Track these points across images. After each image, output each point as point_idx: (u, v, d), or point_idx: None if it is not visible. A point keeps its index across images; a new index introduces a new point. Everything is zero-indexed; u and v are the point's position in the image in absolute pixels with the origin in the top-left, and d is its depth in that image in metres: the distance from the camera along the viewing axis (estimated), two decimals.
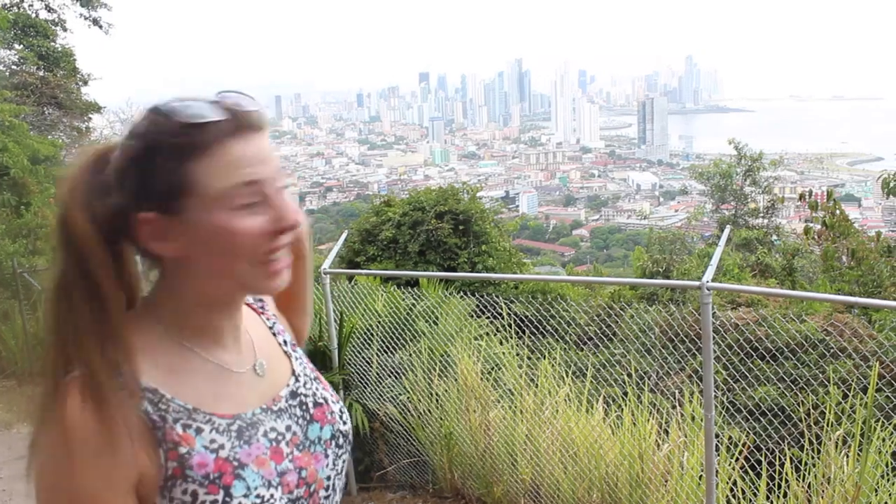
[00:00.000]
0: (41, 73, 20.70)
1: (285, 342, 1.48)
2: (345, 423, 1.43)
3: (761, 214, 19.25)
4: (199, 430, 1.20)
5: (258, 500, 1.21)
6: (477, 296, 6.68)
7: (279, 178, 1.23)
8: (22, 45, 20.57)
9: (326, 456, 1.37)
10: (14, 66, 20.64)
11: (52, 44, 21.22)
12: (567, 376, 5.32)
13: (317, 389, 1.43)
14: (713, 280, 4.13)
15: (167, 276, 1.26)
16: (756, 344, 6.02)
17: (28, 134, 15.76)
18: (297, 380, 1.42)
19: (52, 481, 1.12)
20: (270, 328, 1.47)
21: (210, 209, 1.17)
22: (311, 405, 1.39)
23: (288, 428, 1.33)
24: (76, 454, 1.10)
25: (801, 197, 10.58)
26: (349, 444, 1.43)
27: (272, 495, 1.23)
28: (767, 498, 4.41)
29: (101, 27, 20.93)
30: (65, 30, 21.82)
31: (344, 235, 7.12)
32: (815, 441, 4.25)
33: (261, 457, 1.25)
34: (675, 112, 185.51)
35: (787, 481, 4.23)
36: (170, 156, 1.16)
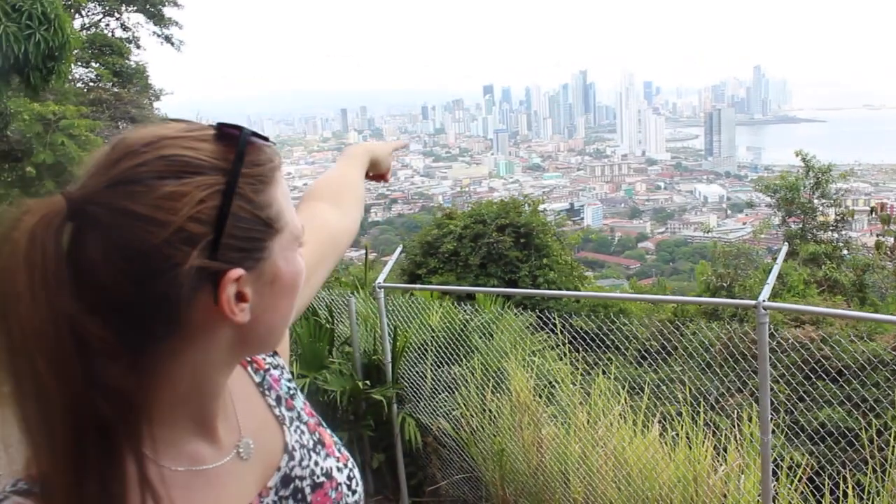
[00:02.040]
0: (115, 90, 21.39)
1: (278, 399, 1.19)
2: (354, 491, 1.19)
3: (831, 228, 18.73)
4: None
5: None
6: (537, 311, 6.63)
7: None
8: (98, 63, 21.28)
9: None
10: (91, 83, 21.36)
11: (127, 61, 21.93)
12: (622, 393, 5.23)
13: (317, 462, 1.17)
14: (772, 298, 4.02)
15: (165, 376, 0.95)
16: (821, 363, 5.84)
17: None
18: (290, 458, 1.14)
19: None
20: (259, 384, 1.18)
21: (291, 247, 0.98)
22: (307, 491, 1.13)
23: None
24: None
25: (873, 210, 10.27)
26: None
27: None
28: None
29: (172, 44, 21.55)
30: (138, 47, 22.58)
31: (398, 250, 7.15)
32: (878, 467, 4.09)
33: None
34: (742, 123, 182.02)
35: None
36: (258, 184, 0.93)
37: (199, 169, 0.88)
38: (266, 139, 0.96)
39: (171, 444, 0.99)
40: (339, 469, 1.18)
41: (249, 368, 1.18)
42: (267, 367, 1.21)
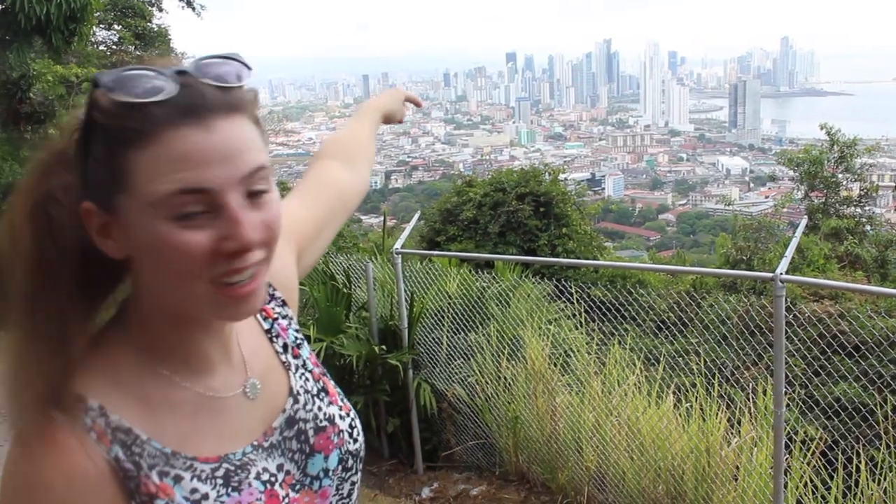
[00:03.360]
0: (137, 53, 21.37)
1: (285, 347, 1.22)
2: (355, 440, 1.21)
3: (854, 203, 18.51)
4: (177, 479, 1.00)
5: None
6: (554, 280, 6.63)
7: (253, 179, 0.96)
8: (120, 26, 21.28)
9: (333, 487, 1.18)
10: (113, 46, 21.38)
11: (149, 24, 21.89)
12: (637, 363, 5.24)
13: (321, 407, 1.19)
14: (792, 272, 4.00)
15: (134, 286, 1.05)
16: (837, 338, 5.82)
17: None
18: (295, 401, 1.17)
19: None
20: (268, 330, 1.22)
21: (145, 213, 0.93)
22: (311, 433, 1.16)
23: (280, 467, 1.12)
24: None
25: None
26: (360, 463, 1.23)
27: None
28: (843, 497, 4.27)
29: (193, 9, 21.46)
30: (160, 10, 22.48)
31: (416, 217, 7.17)
32: (893, 443, 4.09)
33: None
34: (768, 95, 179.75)
35: (857, 482, 4.09)
36: (104, 139, 0.94)
37: (92, 106, 0.96)
38: (147, 102, 0.92)
39: (178, 370, 1.06)
40: (341, 417, 1.21)
41: (259, 316, 1.21)
42: (276, 316, 1.24)
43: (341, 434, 1.19)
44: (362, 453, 1.23)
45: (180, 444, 1.02)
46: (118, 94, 0.92)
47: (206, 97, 0.94)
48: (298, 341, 1.25)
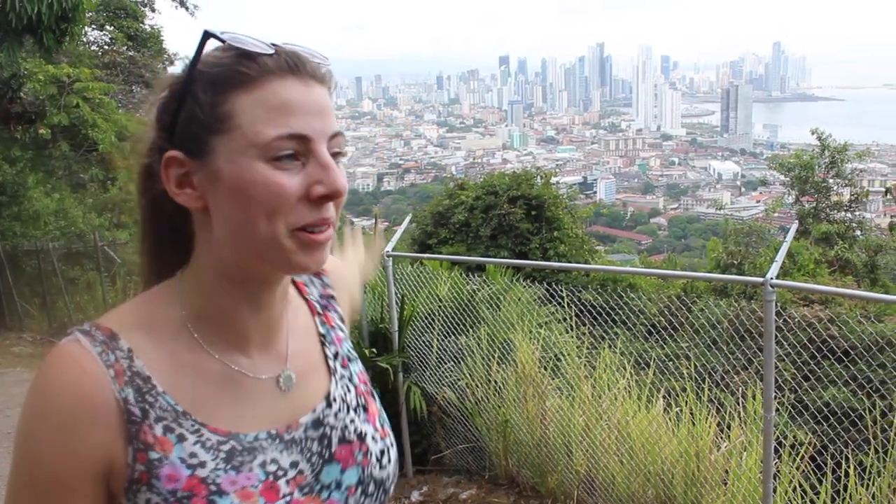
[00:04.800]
0: (130, 53, 21.34)
1: (336, 355, 1.25)
2: (383, 466, 1.19)
3: (845, 208, 18.56)
4: (181, 438, 1.02)
5: None
6: (545, 284, 6.62)
7: (334, 142, 1.04)
8: (112, 27, 21.23)
9: (342, 503, 1.14)
10: (105, 46, 21.33)
11: (141, 25, 21.85)
12: (628, 367, 5.24)
13: (354, 421, 1.19)
14: (782, 277, 4.01)
15: (196, 244, 1.09)
16: (827, 342, 5.83)
17: (116, 111, 16.33)
18: (328, 405, 1.17)
19: (21, 445, 1.02)
20: (323, 335, 1.25)
21: (244, 153, 0.99)
22: (335, 441, 1.15)
23: (294, 465, 1.10)
24: (42, 426, 1.00)
25: (888, 191, 10.19)
26: (384, 495, 1.20)
27: None
28: (832, 502, 4.28)
29: (187, 8, 21.43)
30: (153, 11, 22.44)
31: (407, 219, 7.15)
32: (881, 448, 4.10)
33: (248, 489, 1.04)
34: (760, 100, 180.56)
35: (846, 487, 4.10)
36: (211, 84, 1.01)
37: (199, 58, 1.03)
38: (247, 50, 1.01)
39: (215, 343, 1.10)
40: (374, 439, 1.20)
41: (317, 320, 1.25)
42: (335, 326, 1.28)
43: (368, 455, 1.17)
44: (388, 485, 1.21)
45: (194, 408, 1.05)
46: (234, 43, 1.01)
47: (305, 62, 1.04)
48: (352, 357, 1.28)
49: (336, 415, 1.17)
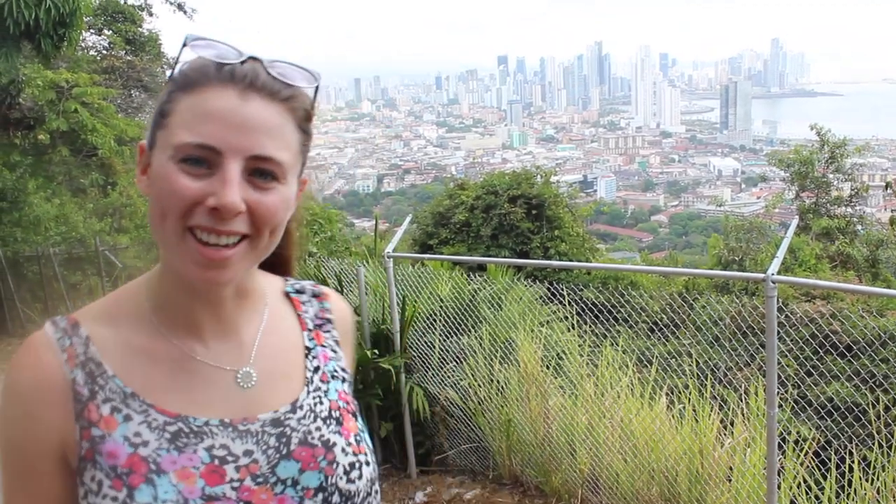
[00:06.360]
0: (128, 58, 21.35)
1: (317, 369, 1.25)
2: (351, 480, 1.16)
3: (845, 203, 18.54)
4: (127, 418, 1.07)
5: None
6: (546, 283, 6.61)
7: (252, 161, 1.04)
8: (110, 31, 21.24)
9: (296, 502, 1.11)
10: (103, 51, 21.34)
11: (139, 29, 21.86)
12: (630, 365, 5.23)
13: (320, 429, 1.17)
14: (783, 272, 4.00)
15: None
16: (829, 338, 5.82)
17: (115, 116, 16.31)
18: (293, 410, 1.17)
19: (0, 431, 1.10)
20: (308, 349, 1.26)
21: (164, 151, 1.05)
22: (294, 441, 1.14)
23: (248, 453, 1.10)
24: (7, 409, 1.08)
25: (888, 185, 10.18)
26: None
27: None
28: (837, 497, 4.27)
29: (185, 12, 21.41)
30: (151, 15, 22.46)
31: (407, 220, 7.15)
32: (885, 443, 4.09)
33: (188, 469, 1.06)
34: (759, 96, 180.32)
35: (851, 482, 4.09)
36: (171, 84, 1.09)
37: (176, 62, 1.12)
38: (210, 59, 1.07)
39: (176, 333, 1.15)
40: (343, 451, 1.17)
41: (305, 335, 1.28)
42: (325, 345, 1.29)
43: (334, 465, 1.15)
44: (358, 501, 1.17)
45: (145, 390, 1.10)
46: (195, 50, 1.08)
47: (259, 77, 1.07)
48: (337, 376, 1.27)
49: (300, 420, 1.17)
